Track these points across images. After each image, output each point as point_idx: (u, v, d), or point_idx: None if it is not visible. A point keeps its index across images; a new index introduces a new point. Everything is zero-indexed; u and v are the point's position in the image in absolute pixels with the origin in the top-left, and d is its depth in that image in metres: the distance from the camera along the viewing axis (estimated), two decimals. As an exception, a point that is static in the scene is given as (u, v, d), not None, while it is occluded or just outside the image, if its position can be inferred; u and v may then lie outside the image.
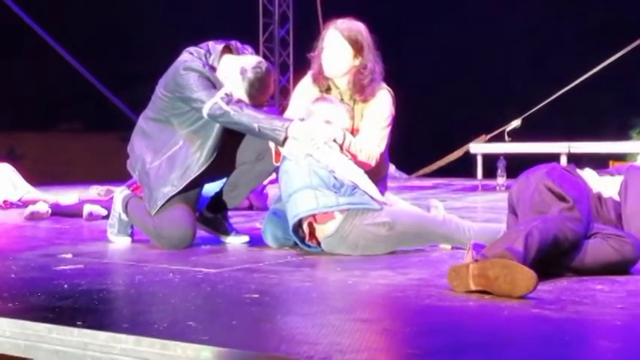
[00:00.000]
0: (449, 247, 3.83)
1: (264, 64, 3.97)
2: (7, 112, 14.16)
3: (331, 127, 3.82)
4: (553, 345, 2.04)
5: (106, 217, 5.06)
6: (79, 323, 2.27)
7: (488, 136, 11.32)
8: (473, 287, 2.69)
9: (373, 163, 3.94)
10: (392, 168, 11.74)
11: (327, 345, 2.01)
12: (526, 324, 2.30)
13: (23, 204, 6.37)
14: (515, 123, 10.87)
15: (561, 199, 3.13)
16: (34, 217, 5.63)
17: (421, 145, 12.56)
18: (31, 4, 11.89)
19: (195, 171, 3.94)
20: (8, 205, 6.56)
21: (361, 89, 3.98)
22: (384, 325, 2.31)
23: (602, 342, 2.11)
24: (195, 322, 2.29)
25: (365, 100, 4.00)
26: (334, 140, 3.80)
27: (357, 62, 3.98)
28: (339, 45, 3.97)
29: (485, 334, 2.17)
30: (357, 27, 4.02)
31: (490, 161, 9.53)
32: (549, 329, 2.21)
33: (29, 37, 12.11)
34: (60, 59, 12.27)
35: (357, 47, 3.97)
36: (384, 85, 4.07)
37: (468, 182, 10.26)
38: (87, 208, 5.57)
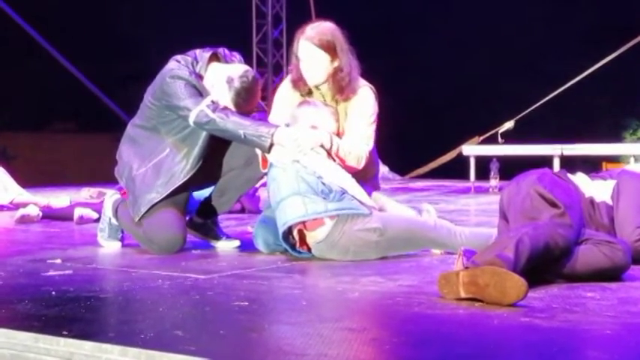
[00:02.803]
0: (440, 252, 3.82)
1: (251, 73, 3.95)
2: (0, 113, 14.13)
3: (318, 132, 3.80)
4: (542, 356, 2.03)
5: (97, 220, 5.04)
6: (65, 332, 2.24)
7: (481, 137, 11.32)
8: (463, 295, 2.68)
9: (363, 164, 3.91)
10: (385, 169, 11.75)
11: (314, 356, 1.99)
12: (516, 333, 2.28)
13: (15, 206, 6.34)
14: (508, 125, 10.87)
15: (552, 205, 3.12)
16: (24, 220, 5.60)
17: (414, 146, 12.56)
18: (23, 5, 11.85)
19: (180, 179, 3.93)
20: (-1, 207, 6.53)
21: (340, 90, 3.95)
22: (372, 334, 2.29)
23: (591, 353, 2.09)
24: (183, 332, 2.27)
25: (347, 99, 3.98)
26: (321, 145, 3.78)
27: (335, 64, 3.95)
28: (314, 55, 3.93)
29: (475, 345, 2.15)
30: (327, 29, 3.97)
31: (483, 163, 9.52)
32: (539, 339, 2.19)
33: (22, 38, 12.08)
34: (52, 60, 12.24)
35: (332, 51, 3.93)
36: (365, 83, 4.04)
37: (461, 184, 10.24)
38: (78, 212, 5.54)
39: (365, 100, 3.98)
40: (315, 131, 3.79)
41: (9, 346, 2.28)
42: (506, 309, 2.54)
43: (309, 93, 4.06)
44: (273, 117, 4.06)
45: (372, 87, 4.05)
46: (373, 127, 3.99)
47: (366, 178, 3.99)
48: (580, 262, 3.03)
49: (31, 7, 12.10)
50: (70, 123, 16.03)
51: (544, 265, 2.95)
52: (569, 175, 3.48)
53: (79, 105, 14.07)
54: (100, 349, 2.13)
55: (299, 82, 4.02)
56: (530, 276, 2.68)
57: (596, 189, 3.46)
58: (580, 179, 3.49)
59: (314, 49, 3.93)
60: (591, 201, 3.40)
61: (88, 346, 2.16)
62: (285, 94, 4.11)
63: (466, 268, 2.73)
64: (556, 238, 2.95)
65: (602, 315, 2.48)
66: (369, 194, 3.90)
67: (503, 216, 3.38)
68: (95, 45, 14.06)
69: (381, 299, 2.78)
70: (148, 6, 14.22)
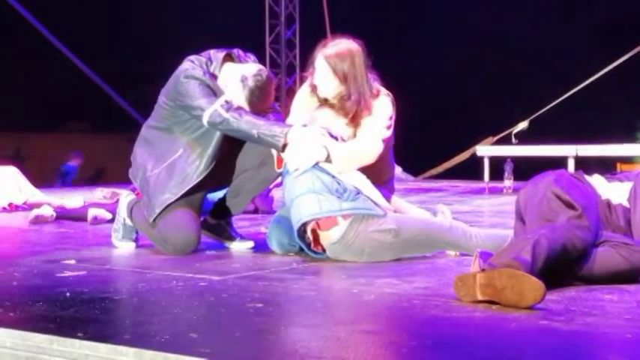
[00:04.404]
0: (455, 253, 3.79)
1: (265, 72, 3.94)
2: (14, 113, 14.17)
3: (318, 150, 3.75)
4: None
5: (111, 221, 5.04)
6: (80, 334, 2.24)
7: (495, 138, 11.27)
8: (480, 297, 2.66)
9: (374, 157, 3.83)
10: (398, 170, 11.71)
11: (331, 359, 1.98)
12: (534, 337, 2.26)
13: (29, 207, 6.35)
14: (523, 125, 10.82)
15: (570, 206, 3.09)
16: (38, 220, 5.60)
17: (428, 146, 12.53)
18: (37, 4, 11.88)
19: (193, 179, 3.92)
20: (14, 207, 6.53)
21: (346, 116, 3.90)
22: (389, 337, 2.28)
23: (611, 356, 2.07)
24: (198, 334, 2.25)
25: (357, 125, 3.94)
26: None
27: (344, 87, 3.91)
28: (325, 73, 3.90)
29: (493, 348, 2.13)
30: (346, 52, 3.90)
31: (497, 163, 9.47)
32: (558, 342, 2.17)
33: (36, 38, 12.12)
34: (66, 61, 12.27)
35: (343, 79, 3.88)
36: (383, 92, 4.00)
37: (475, 184, 10.20)
38: (91, 212, 5.53)
39: (380, 106, 3.94)
40: (312, 151, 3.74)
41: (24, 347, 2.28)
42: (523, 312, 2.51)
43: (325, 99, 4.04)
44: (292, 119, 4.05)
45: (390, 94, 4.01)
46: (385, 128, 3.93)
47: (381, 181, 3.96)
48: (597, 264, 3.00)
49: (44, 8, 12.13)
50: (84, 123, 16.06)
51: (561, 268, 2.92)
52: (586, 177, 3.45)
53: (92, 105, 14.10)
54: (115, 352, 2.12)
55: (315, 89, 4.01)
56: (547, 278, 2.65)
57: (612, 191, 3.42)
58: (597, 181, 3.46)
59: (326, 70, 3.90)
60: (608, 203, 3.36)
61: (103, 348, 2.15)
62: (303, 97, 4.10)
63: (483, 270, 2.71)
64: (573, 240, 2.93)
65: (621, 318, 2.45)
66: (387, 198, 3.89)
67: (520, 217, 3.35)
68: (109, 45, 14.09)
69: (397, 301, 2.76)
70: (161, 6, 14.24)
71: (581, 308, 2.59)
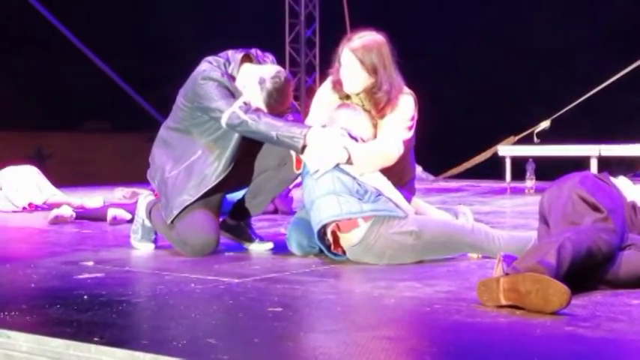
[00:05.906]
0: (477, 256, 3.74)
1: (283, 74, 3.90)
2: (34, 112, 14.21)
3: (339, 151, 3.70)
4: (589, 368, 1.96)
5: (130, 221, 5.02)
6: (96, 339, 2.21)
7: (517, 137, 11.16)
8: (503, 302, 2.61)
9: (393, 158, 3.78)
10: (419, 169, 11.63)
11: (351, 367, 1.94)
12: (559, 344, 2.21)
13: (48, 207, 6.35)
14: (545, 124, 10.70)
15: (595, 209, 3.03)
16: (57, 221, 5.59)
17: (449, 146, 12.45)
18: (58, 4, 11.90)
19: (212, 181, 3.89)
20: (33, 207, 6.54)
21: (376, 106, 3.86)
22: (410, 343, 2.23)
23: (640, 365, 2.02)
24: (216, 339, 2.22)
25: (383, 116, 3.89)
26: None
27: (373, 79, 3.87)
28: (353, 66, 3.84)
29: (517, 355, 2.08)
30: (373, 44, 3.86)
31: (519, 163, 9.38)
32: (584, 350, 2.12)
33: (56, 37, 12.14)
34: (87, 59, 12.29)
35: (372, 69, 3.83)
36: (406, 91, 3.95)
37: (496, 184, 10.12)
38: (111, 212, 5.52)
39: (402, 105, 3.89)
40: (333, 152, 3.69)
41: (40, 352, 2.25)
42: (548, 317, 2.46)
43: (348, 96, 3.99)
44: (311, 116, 4.01)
45: (413, 93, 3.96)
46: (407, 128, 3.88)
47: (402, 182, 3.91)
48: (624, 268, 2.94)
49: (65, 6, 12.15)
50: (105, 122, 16.07)
51: (586, 272, 2.87)
52: (611, 178, 3.39)
53: (113, 104, 14.12)
54: (132, 357, 2.09)
55: (338, 85, 3.96)
56: (572, 282, 2.60)
57: (638, 193, 3.36)
58: (622, 183, 3.39)
59: (354, 61, 3.84)
60: (633, 205, 3.30)
61: (120, 353, 2.12)
62: (324, 95, 4.06)
63: (506, 274, 2.66)
64: (599, 243, 2.87)
65: (648, 324, 2.40)
66: (408, 199, 3.84)
67: (544, 220, 3.29)
68: (129, 44, 14.10)
69: (419, 306, 2.72)
70: (180, 5, 14.25)
71: (607, 314, 2.53)
